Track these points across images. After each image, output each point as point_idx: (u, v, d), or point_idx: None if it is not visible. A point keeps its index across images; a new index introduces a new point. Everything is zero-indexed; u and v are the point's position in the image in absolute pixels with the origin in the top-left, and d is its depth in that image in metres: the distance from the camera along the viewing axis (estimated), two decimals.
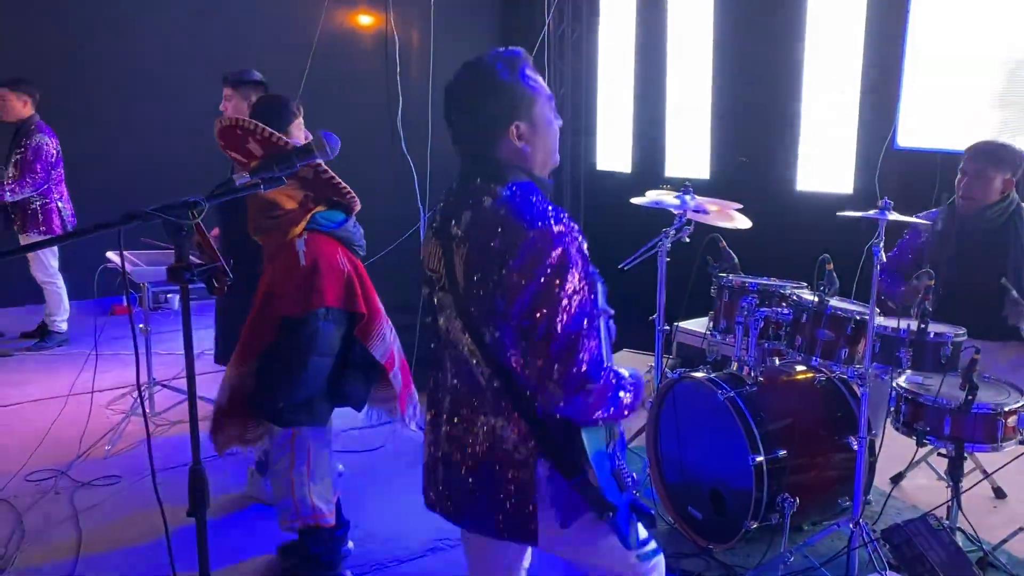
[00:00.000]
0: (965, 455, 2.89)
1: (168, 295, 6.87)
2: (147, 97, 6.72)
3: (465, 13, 7.69)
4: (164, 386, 4.62)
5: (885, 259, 2.76)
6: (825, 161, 5.35)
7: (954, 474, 2.87)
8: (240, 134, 2.67)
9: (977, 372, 2.74)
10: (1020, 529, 3.08)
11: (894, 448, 3.15)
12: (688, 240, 3.67)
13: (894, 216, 2.74)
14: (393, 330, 3.06)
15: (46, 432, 4.06)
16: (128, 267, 4.24)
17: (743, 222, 3.68)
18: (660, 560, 1.88)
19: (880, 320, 2.91)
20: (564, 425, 1.68)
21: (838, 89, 5.17)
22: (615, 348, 1.90)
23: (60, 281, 5.88)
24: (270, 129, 2.64)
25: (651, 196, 3.81)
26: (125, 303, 6.40)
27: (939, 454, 3.13)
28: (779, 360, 3.41)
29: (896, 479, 3.61)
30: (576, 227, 1.63)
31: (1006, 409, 2.81)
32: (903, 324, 2.85)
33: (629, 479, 1.76)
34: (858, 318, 2.93)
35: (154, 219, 1.52)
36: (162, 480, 3.40)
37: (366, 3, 7.52)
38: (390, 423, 3.21)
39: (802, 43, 5.31)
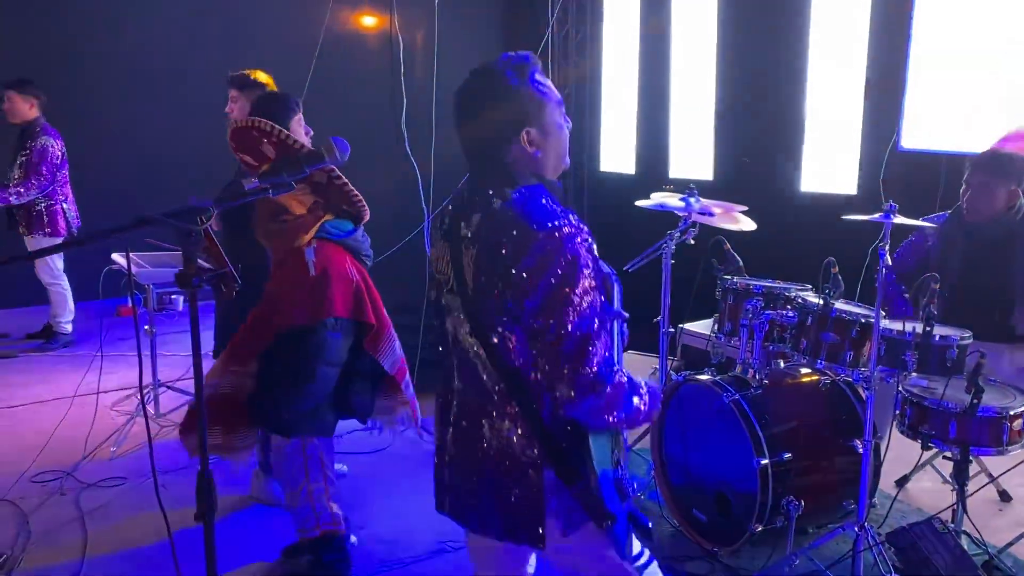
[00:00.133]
0: (970, 458, 2.89)
1: (172, 296, 6.87)
2: (152, 99, 6.73)
3: (469, 14, 7.69)
4: (169, 387, 4.63)
5: (891, 262, 2.75)
6: (829, 162, 5.35)
7: (959, 477, 2.87)
8: (256, 135, 2.66)
9: (983, 375, 2.74)
10: None
11: (899, 451, 3.15)
12: (693, 242, 3.67)
13: (899, 219, 2.73)
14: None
15: (51, 433, 4.07)
16: (133, 268, 4.25)
17: (748, 224, 3.68)
18: (655, 569, 1.87)
19: (885, 323, 2.90)
20: (569, 430, 1.68)
21: (842, 90, 5.17)
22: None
23: (65, 282, 5.90)
24: (286, 132, 2.62)
25: (656, 199, 3.81)
26: (130, 304, 6.41)
27: (944, 457, 3.13)
28: (784, 363, 3.41)
29: (901, 482, 3.60)
30: (586, 228, 1.63)
31: (1011, 413, 2.81)
32: (908, 327, 2.84)
33: (630, 488, 1.75)
34: (863, 321, 2.93)
35: (163, 224, 1.52)
36: (167, 481, 3.41)
37: (370, 4, 7.53)
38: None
39: (806, 44, 5.31)
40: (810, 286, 3.40)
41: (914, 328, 2.83)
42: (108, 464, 3.95)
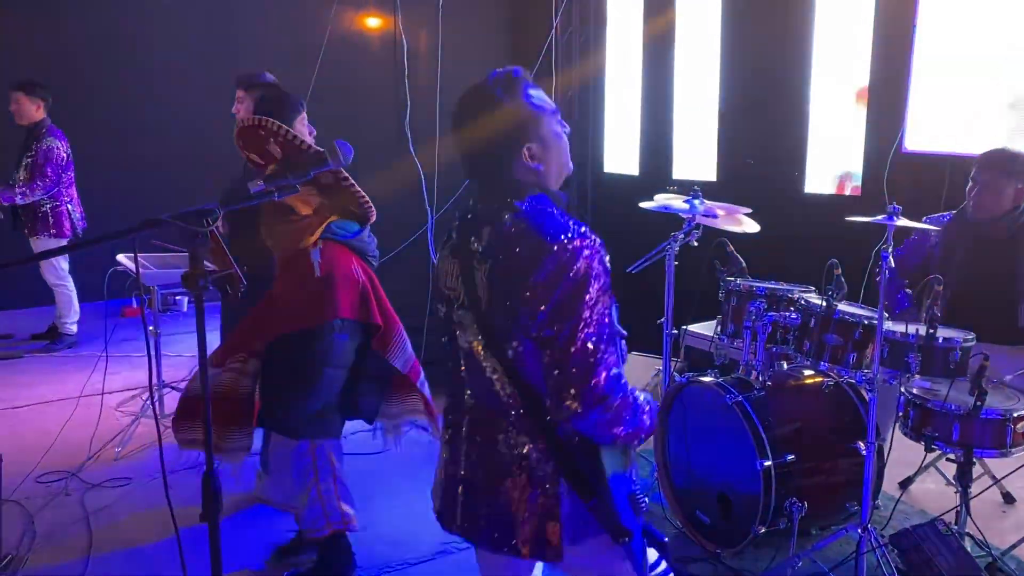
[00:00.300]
0: (974, 460, 2.89)
1: (177, 297, 6.91)
2: (157, 100, 6.75)
3: (473, 16, 7.71)
4: (173, 388, 4.64)
5: (893, 262, 2.76)
6: (833, 164, 5.35)
7: (963, 479, 2.87)
8: (263, 135, 2.66)
9: (986, 377, 2.74)
10: None
11: (903, 453, 3.15)
12: (696, 244, 3.67)
13: (902, 222, 2.73)
14: None
15: (56, 434, 4.08)
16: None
17: (751, 226, 3.68)
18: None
19: (889, 325, 2.90)
20: (584, 445, 1.68)
21: (846, 92, 5.17)
22: None
23: (70, 283, 5.91)
24: (293, 132, 2.63)
25: (659, 200, 3.81)
26: (135, 306, 6.43)
27: (948, 459, 3.12)
28: (787, 364, 3.41)
29: (905, 484, 3.61)
30: (598, 240, 1.63)
31: (1015, 415, 2.80)
32: (912, 329, 2.84)
33: (643, 503, 1.74)
34: (866, 323, 2.93)
35: (169, 226, 1.53)
36: (171, 482, 3.41)
37: (374, 7, 7.55)
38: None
39: (810, 46, 5.31)
40: (813, 288, 3.40)
41: (917, 330, 2.83)
42: (113, 465, 3.97)
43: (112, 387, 4.69)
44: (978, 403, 2.74)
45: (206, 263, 1.63)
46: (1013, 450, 2.83)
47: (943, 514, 3.03)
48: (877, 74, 4.95)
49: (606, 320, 1.61)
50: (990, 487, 3.50)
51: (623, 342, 1.80)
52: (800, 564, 2.92)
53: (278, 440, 3.06)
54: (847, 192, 5.29)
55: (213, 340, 4.52)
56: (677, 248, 3.69)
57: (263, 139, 2.67)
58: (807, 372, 3.37)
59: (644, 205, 3.81)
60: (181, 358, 5.54)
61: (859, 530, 2.87)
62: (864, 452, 2.87)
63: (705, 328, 4.42)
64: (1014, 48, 4.28)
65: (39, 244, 5.67)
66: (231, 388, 2.80)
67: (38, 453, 3.96)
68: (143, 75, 6.73)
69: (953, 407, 2.82)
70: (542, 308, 1.57)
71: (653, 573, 1.82)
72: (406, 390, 3.04)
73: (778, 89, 5.56)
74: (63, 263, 5.86)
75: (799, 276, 3.55)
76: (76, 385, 4.74)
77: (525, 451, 1.69)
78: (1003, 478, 3.48)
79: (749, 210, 3.71)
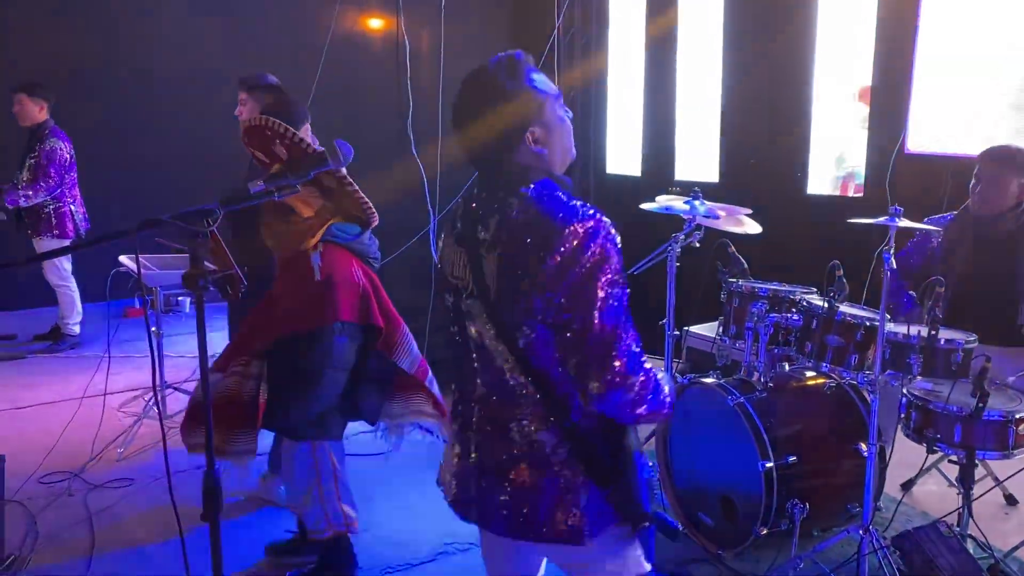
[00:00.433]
0: (976, 462, 2.89)
1: (179, 298, 6.92)
2: (160, 101, 6.76)
3: (475, 17, 7.71)
4: (176, 389, 4.64)
5: (895, 264, 2.75)
6: (835, 165, 5.35)
7: (965, 481, 2.87)
8: (269, 135, 2.66)
9: (988, 379, 2.73)
10: None
11: (905, 454, 3.15)
12: (698, 245, 3.67)
13: (904, 223, 2.73)
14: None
15: (59, 435, 4.09)
16: (140, 270, 4.27)
17: (753, 227, 3.68)
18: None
19: (890, 326, 2.90)
20: (602, 430, 1.67)
21: (848, 93, 5.16)
22: None
23: (73, 284, 5.92)
24: (299, 135, 2.63)
25: (661, 201, 3.81)
26: (138, 306, 6.44)
27: (950, 461, 3.12)
28: (789, 366, 3.41)
29: (907, 486, 3.60)
30: (609, 221, 1.61)
31: (1017, 416, 2.80)
32: (914, 330, 2.84)
33: (656, 491, 1.75)
34: (868, 324, 2.93)
35: (170, 227, 1.54)
36: (174, 482, 3.41)
37: (377, 7, 7.55)
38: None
39: (812, 47, 5.31)
40: (815, 289, 3.40)
41: (919, 331, 2.83)
42: (115, 465, 3.97)
43: (115, 388, 4.69)
44: (980, 405, 2.74)
45: (207, 263, 1.63)
46: (1015, 452, 2.83)
47: (945, 516, 3.03)
48: (879, 75, 4.95)
49: (623, 300, 1.60)
50: (992, 489, 3.49)
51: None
52: (802, 565, 2.92)
53: (282, 440, 3.07)
54: (849, 193, 5.29)
55: (217, 340, 4.55)
56: (679, 249, 3.69)
57: (269, 139, 2.67)
58: (809, 373, 3.37)
59: (646, 206, 3.81)
60: (184, 358, 5.55)
61: (861, 532, 2.87)
62: (866, 453, 2.87)
63: (707, 329, 4.42)
64: (1016, 49, 4.27)
65: (42, 245, 5.68)
66: (235, 392, 2.81)
67: (41, 454, 3.96)
68: (145, 76, 6.74)
69: (955, 409, 2.81)
70: (557, 293, 1.56)
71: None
72: (411, 390, 3.03)
73: (780, 90, 5.55)
74: (66, 264, 5.87)
75: (801, 277, 3.55)
76: (79, 386, 4.75)
77: (539, 438, 1.68)
78: (1005, 480, 3.47)
79: (750, 211, 3.71)
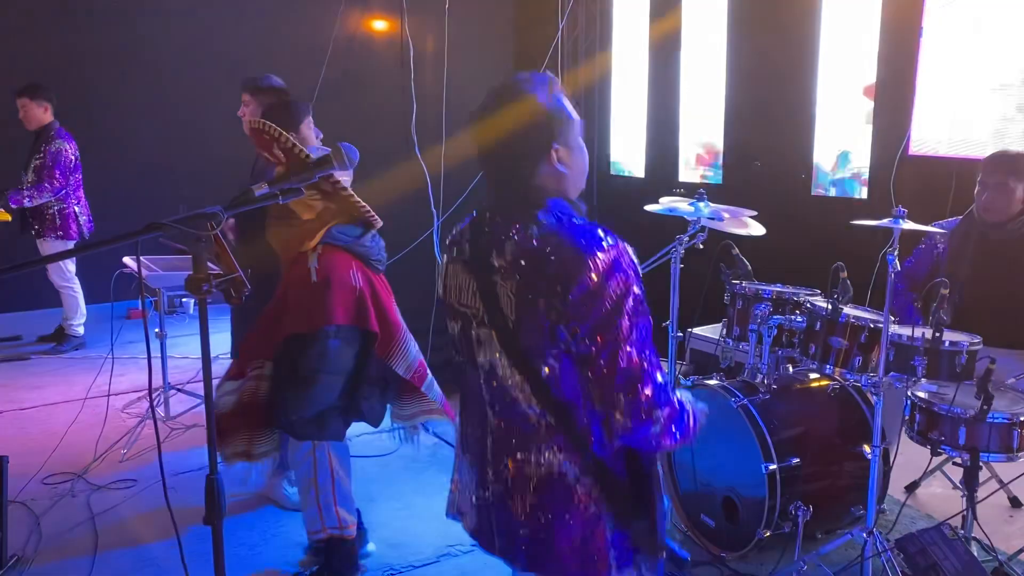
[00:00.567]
0: (980, 464, 2.88)
1: (183, 299, 6.93)
2: (164, 102, 6.77)
3: (480, 19, 7.70)
4: (179, 390, 4.65)
5: (900, 267, 2.75)
6: (837, 166, 5.34)
7: (969, 483, 2.86)
8: (267, 139, 2.70)
9: (992, 381, 2.73)
10: None
11: (909, 457, 3.14)
12: (702, 247, 3.66)
13: (908, 225, 2.73)
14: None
15: (63, 436, 4.10)
16: (144, 272, 4.28)
17: (757, 229, 3.67)
18: None
19: (895, 328, 2.90)
20: (624, 461, 1.62)
21: (852, 95, 5.15)
22: None
23: (77, 285, 5.94)
24: (293, 140, 2.65)
25: (665, 203, 3.81)
26: (140, 307, 6.45)
27: (954, 463, 3.12)
28: (793, 368, 3.40)
29: (911, 488, 3.59)
30: (627, 246, 1.58)
31: (1022, 419, 2.79)
32: (918, 332, 2.83)
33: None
34: (872, 326, 2.92)
35: (174, 230, 1.54)
36: (178, 484, 3.43)
37: (381, 9, 7.56)
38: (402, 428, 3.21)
39: (816, 48, 5.30)
40: (819, 291, 3.39)
41: (923, 333, 2.82)
42: (118, 467, 3.98)
43: (118, 389, 4.71)
44: (985, 407, 2.73)
45: (210, 266, 1.63)
46: (1020, 454, 2.82)
47: (949, 518, 3.01)
48: (883, 77, 4.94)
49: (648, 329, 1.56)
50: (997, 491, 3.49)
51: None
52: (805, 568, 2.91)
53: (289, 440, 3.07)
54: (853, 195, 5.28)
55: (219, 341, 4.57)
56: (683, 251, 3.68)
57: (268, 142, 2.71)
58: (813, 375, 3.36)
59: (649, 208, 3.81)
60: (187, 359, 5.56)
61: (864, 534, 2.86)
62: (869, 456, 2.86)
63: (710, 331, 4.41)
64: (1021, 51, 4.26)
65: (46, 246, 5.69)
66: (254, 395, 2.83)
67: (44, 454, 3.97)
68: (149, 77, 6.75)
69: (959, 411, 2.80)
70: (583, 325, 1.52)
71: None
72: (417, 391, 3.04)
73: (784, 92, 5.55)
74: (70, 265, 5.88)
75: (805, 279, 3.54)
76: (82, 387, 4.76)
77: (561, 470, 1.63)
78: (1010, 482, 3.46)
79: (754, 213, 3.71)
